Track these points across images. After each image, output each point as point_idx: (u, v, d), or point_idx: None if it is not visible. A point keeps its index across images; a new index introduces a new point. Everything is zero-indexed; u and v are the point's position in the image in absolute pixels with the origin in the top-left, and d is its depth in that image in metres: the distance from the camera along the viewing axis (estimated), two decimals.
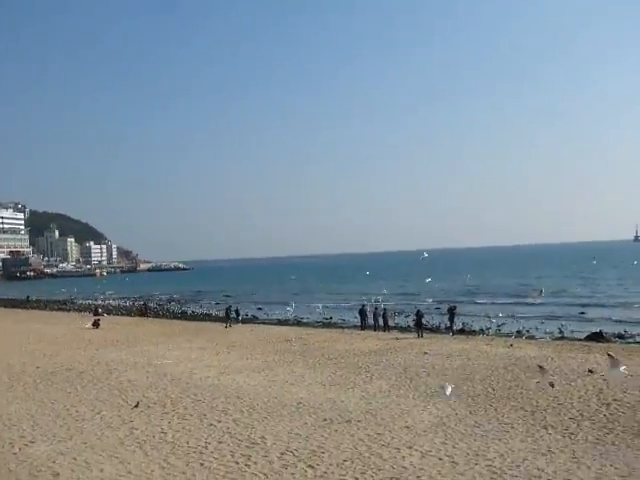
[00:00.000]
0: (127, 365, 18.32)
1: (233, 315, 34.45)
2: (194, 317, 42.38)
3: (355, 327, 32.08)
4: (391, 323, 30.41)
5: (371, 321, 30.31)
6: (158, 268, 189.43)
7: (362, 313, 30.26)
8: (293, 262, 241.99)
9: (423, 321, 26.51)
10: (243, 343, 24.03)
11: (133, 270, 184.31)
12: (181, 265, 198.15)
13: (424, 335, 25.35)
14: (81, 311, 46.73)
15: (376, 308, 30.38)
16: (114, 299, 61.56)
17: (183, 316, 43.49)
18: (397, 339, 24.35)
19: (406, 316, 37.75)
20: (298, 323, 37.09)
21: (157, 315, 44.08)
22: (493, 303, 42.96)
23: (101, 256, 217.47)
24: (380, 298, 48.77)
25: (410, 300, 48.46)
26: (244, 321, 34.35)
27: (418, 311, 26.41)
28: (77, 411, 12.49)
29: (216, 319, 40.48)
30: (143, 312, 43.28)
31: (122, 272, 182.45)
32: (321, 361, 18.58)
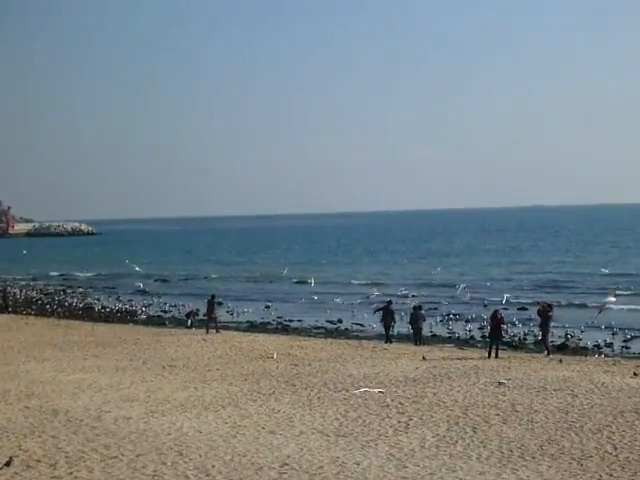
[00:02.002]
0: None
1: (192, 319, 36.19)
2: (107, 316, 43.33)
3: (379, 336, 32.67)
4: (426, 330, 31.32)
5: (400, 328, 30.57)
6: (43, 231, 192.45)
7: (386, 315, 30.71)
8: (273, 226, 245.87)
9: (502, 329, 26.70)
10: (191, 361, 24.19)
11: (3, 234, 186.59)
12: (83, 227, 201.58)
13: (499, 353, 25.52)
14: None
15: (415, 309, 30.62)
16: None
17: (88, 314, 44.40)
18: (451, 359, 24.50)
19: (466, 321, 38.29)
20: (284, 329, 38.00)
21: (41, 312, 44.82)
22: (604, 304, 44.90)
23: None
24: (407, 291, 51.11)
25: (444, 292, 52.15)
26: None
27: (495, 313, 26.49)
28: None
29: (147, 321, 41.46)
30: (1, 306, 44.24)
31: None
32: (321, 394, 18.59)
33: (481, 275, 64.66)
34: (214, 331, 32.39)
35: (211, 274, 73.67)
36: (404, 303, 43.08)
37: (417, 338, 29.56)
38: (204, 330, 32.80)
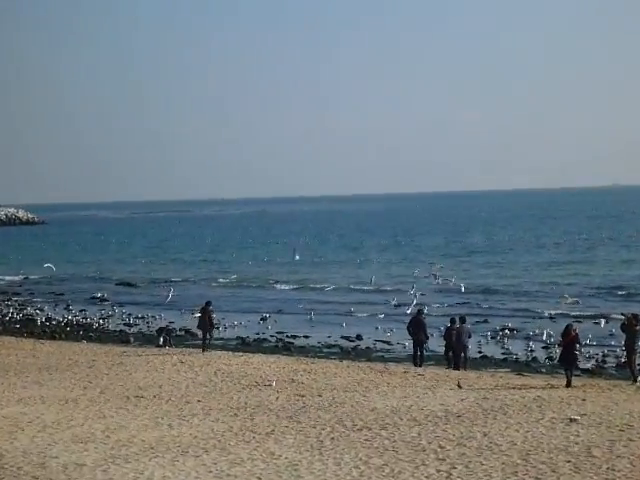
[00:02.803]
0: None
1: (164, 337, 36.56)
2: (53, 331, 43.47)
3: (408, 357, 32.79)
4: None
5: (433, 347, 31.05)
6: None
7: (417, 329, 30.80)
8: (277, 212, 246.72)
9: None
10: (164, 390, 24.11)
11: None
12: (21, 214, 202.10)
13: (572, 380, 25.32)
14: None
15: (453, 322, 30.50)
16: None
17: (28, 328, 44.63)
18: (506, 388, 24.42)
19: (525, 337, 38.20)
20: (286, 348, 38.12)
21: None
22: None
23: None
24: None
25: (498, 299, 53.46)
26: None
27: (568, 328, 26.23)
28: None
29: (106, 337, 41.49)
30: None
31: None
32: (335, 434, 18.55)
33: (538, 277, 64.72)
34: (207, 351, 33.01)
35: (188, 276, 73.85)
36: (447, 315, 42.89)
37: (458, 360, 29.50)
38: (180, 349, 32.76)
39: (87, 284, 69.13)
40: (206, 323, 33.82)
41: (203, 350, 33.12)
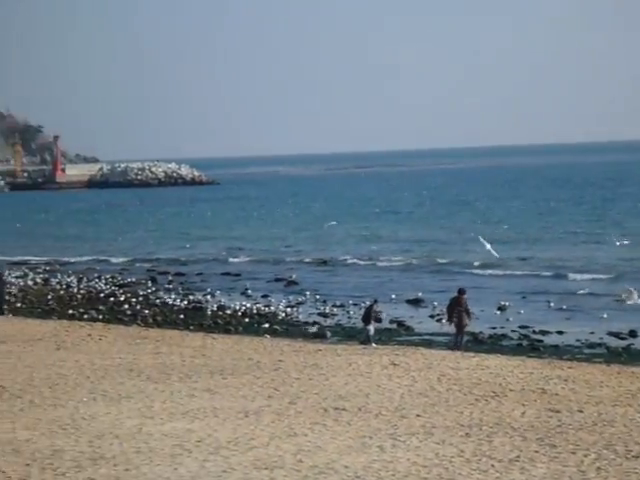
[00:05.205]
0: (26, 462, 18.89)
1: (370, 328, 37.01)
2: (227, 323, 45.01)
3: None
4: None
5: None
6: (116, 178, 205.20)
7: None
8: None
9: None
10: (371, 400, 24.27)
11: (48, 181, 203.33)
12: (184, 170, 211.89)
13: None
14: None
15: None
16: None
17: (195, 319, 46.25)
18: None
19: None
20: (533, 347, 38.06)
21: (115, 316, 47.09)
22: None
23: None
24: None
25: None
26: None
27: None
28: None
29: (293, 331, 42.58)
30: None
31: (11, 187, 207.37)
32: (602, 462, 18.11)
33: None
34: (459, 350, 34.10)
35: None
36: None
37: None
38: (392, 347, 32.90)
39: (268, 264, 70.29)
40: (462, 315, 34.67)
41: (456, 348, 34.49)
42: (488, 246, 59.60)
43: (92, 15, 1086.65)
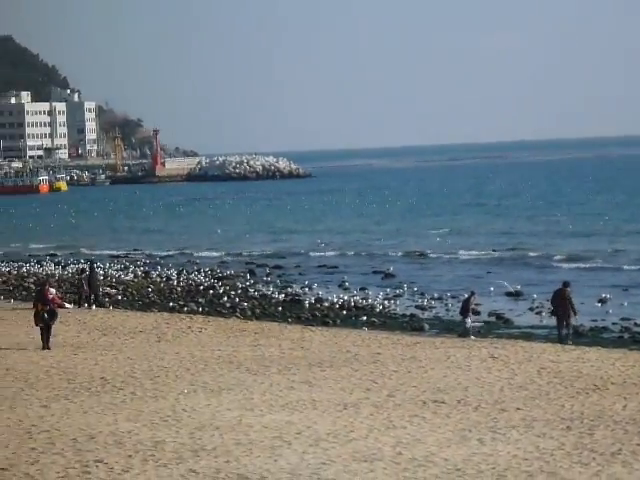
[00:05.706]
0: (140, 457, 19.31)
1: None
2: (325, 316, 45.17)
3: None
4: None
5: None
6: (215, 171, 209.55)
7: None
8: None
9: None
10: (470, 393, 24.14)
11: (148, 174, 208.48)
12: (282, 164, 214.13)
13: None
14: None
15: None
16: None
17: (293, 312, 46.63)
18: None
19: None
20: (634, 339, 37.60)
21: (214, 309, 47.73)
22: None
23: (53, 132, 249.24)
24: None
25: None
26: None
27: None
28: None
29: (392, 323, 42.56)
30: (80, 295, 46.55)
31: (112, 181, 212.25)
32: None
33: None
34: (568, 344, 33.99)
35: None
36: None
37: None
38: (491, 340, 32.75)
39: (364, 257, 70.22)
40: (567, 308, 34.65)
41: (564, 340, 34.36)
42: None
43: (190, 13, 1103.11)
